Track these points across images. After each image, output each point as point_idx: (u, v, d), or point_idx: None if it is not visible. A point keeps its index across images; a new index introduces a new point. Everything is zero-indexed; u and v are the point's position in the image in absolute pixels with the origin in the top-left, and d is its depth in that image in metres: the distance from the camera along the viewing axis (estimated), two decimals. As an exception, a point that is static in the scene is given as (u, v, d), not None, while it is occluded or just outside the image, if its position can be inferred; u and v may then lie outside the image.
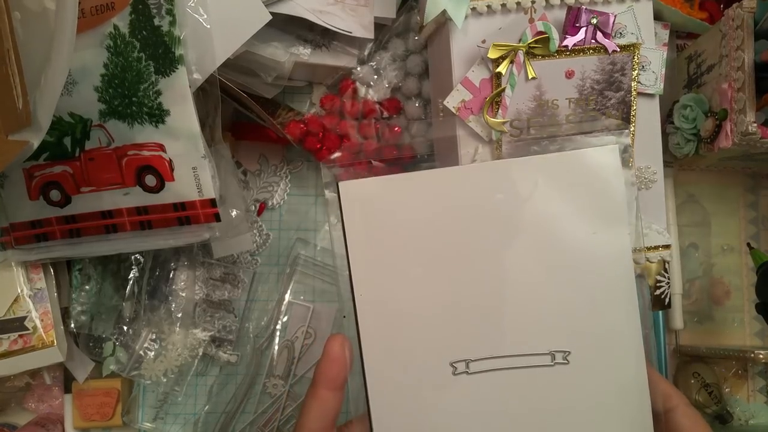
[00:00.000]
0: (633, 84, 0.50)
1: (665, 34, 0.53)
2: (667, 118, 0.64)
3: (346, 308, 0.44)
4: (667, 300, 0.53)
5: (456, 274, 0.43)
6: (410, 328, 0.43)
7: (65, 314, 0.60)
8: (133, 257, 0.61)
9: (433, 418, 0.43)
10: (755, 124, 0.53)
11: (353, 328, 0.43)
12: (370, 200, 0.43)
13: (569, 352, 0.43)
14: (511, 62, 0.48)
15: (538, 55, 0.48)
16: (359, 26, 0.61)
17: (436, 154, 0.63)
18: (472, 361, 0.43)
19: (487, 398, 0.42)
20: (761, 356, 0.59)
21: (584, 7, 0.48)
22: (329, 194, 0.45)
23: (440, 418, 0.43)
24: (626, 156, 0.43)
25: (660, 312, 0.66)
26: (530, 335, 0.43)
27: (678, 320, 0.66)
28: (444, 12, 0.48)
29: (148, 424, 0.64)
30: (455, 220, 0.43)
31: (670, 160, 0.65)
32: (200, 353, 0.62)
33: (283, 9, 0.58)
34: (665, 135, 0.61)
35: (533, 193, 0.43)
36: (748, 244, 0.65)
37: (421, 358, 0.43)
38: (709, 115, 0.59)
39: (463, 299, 0.43)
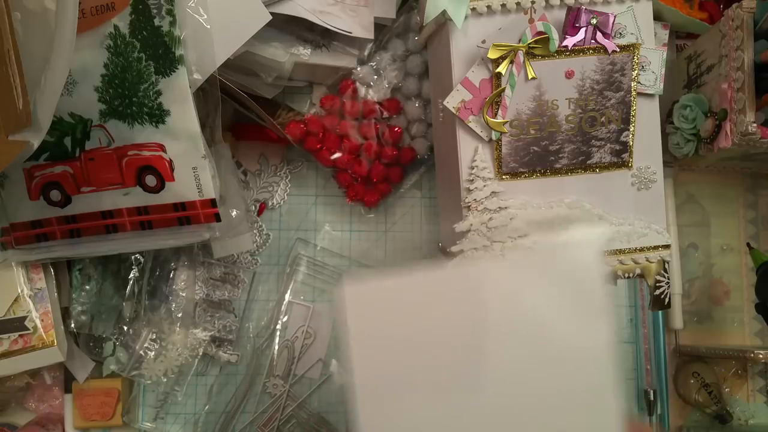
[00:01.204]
0: (633, 84, 0.50)
1: (665, 35, 0.53)
2: (666, 118, 0.64)
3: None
4: (666, 300, 0.53)
5: (451, 381, 0.44)
6: None
7: (65, 314, 0.60)
8: (133, 257, 0.61)
9: None
10: (755, 124, 0.53)
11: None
12: (371, 305, 0.45)
13: None
14: (511, 62, 0.48)
15: (538, 56, 0.48)
16: (359, 26, 0.61)
17: (436, 155, 0.63)
18: None
19: None
20: (761, 356, 0.60)
21: (584, 7, 0.48)
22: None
23: None
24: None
25: (660, 312, 0.66)
26: None
27: (678, 320, 0.66)
28: (444, 12, 0.48)
29: (148, 424, 0.64)
30: (450, 326, 0.44)
31: (669, 160, 0.65)
32: (200, 353, 0.62)
33: (283, 9, 0.58)
34: (665, 135, 0.61)
35: (518, 295, 0.44)
36: (748, 244, 0.65)
37: None
38: (708, 115, 0.59)
39: (460, 405, 0.44)
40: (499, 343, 0.44)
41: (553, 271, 0.44)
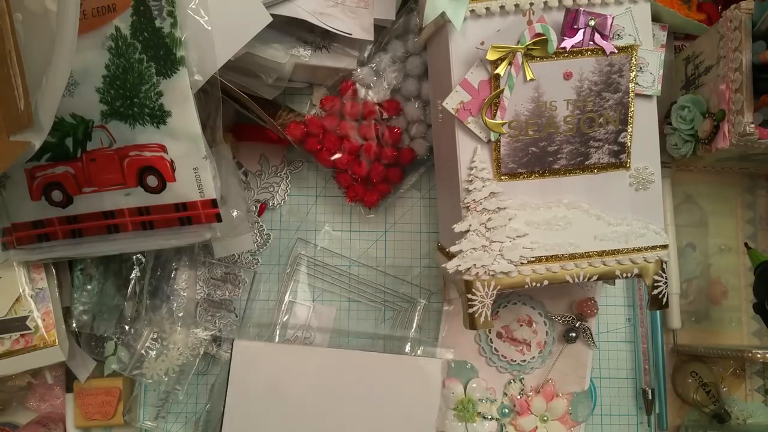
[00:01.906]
0: (631, 85, 0.50)
1: (663, 36, 0.53)
2: (664, 119, 0.64)
3: None
4: (664, 300, 0.53)
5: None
6: None
7: (67, 314, 0.60)
8: (134, 257, 0.61)
9: None
10: (753, 125, 0.53)
11: None
12: (255, 363, 0.60)
13: None
14: (510, 64, 0.48)
15: (537, 57, 0.48)
16: (359, 28, 0.61)
17: (435, 156, 0.63)
18: None
19: None
20: (759, 355, 0.60)
21: (582, 9, 0.48)
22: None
23: None
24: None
25: (658, 312, 0.66)
26: None
27: (676, 320, 0.66)
28: (443, 14, 0.48)
29: (150, 423, 0.64)
30: (316, 392, 0.60)
31: (667, 160, 0.65)
32: (201, 352, 0.62)
33: (283, 11, 0.58)
34: (663, 136, 0.62)
35: (370, 381, 0.61)
36: (746, 244, 0.66)
37: None
38: (706, 116, 0.59)
39: None
40: (349, 409, 0.60)
41: (408, 371, 0.61)
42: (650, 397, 0.65)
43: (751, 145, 0.55)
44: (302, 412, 0.60)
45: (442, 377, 0.62)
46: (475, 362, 0.65)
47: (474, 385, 0.64)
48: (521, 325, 0.65)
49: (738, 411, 0.66)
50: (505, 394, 0.65)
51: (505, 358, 0.65)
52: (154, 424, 0.64)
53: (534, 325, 0.65)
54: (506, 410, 0.64)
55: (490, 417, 0.64)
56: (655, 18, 0.52)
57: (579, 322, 0.65)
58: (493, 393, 0.65)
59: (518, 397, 0.64)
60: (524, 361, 0.65)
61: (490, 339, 0.65)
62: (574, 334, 0.65)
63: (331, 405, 0.60)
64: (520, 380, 0.65)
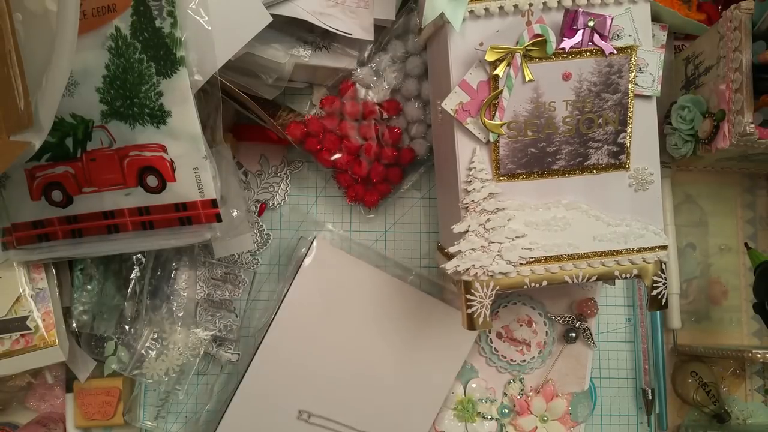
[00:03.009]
0: (630, 86, 0.50)
1: (663, 36, 0.53)
2: (664, 119, 0.64)
3: (245, 347, 0.64)
4: (664, 300, 0.53)
5: (337, 357, 0.62)
6: (287, 376, 0.61)
7: (67, 314, 0.60)
8: (134, 257, 0.61)
9: None
10: (753, 125, 0.53)
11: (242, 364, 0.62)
12: (327, 268, 0.62)
13: None
14: (509, 65, 0.48)
15: (535, 58, 0.48)
16: (359, 28, 0.61)
17: (435, 156, 0.63)
18: (314, 415, 0.62)
19: None
20: (759, 356, 0.60)
21: (581, 9, 0.48)
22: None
23: None
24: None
25: (658, 312, 0.66)
26: (360, 414, 0.62)
27: (676, 320, 0.66)
28: (442, 15, 0.48)
29: (149, 423, 0.64)
30: (359, 309, 0.62)
31: (667, 160, 0.65)
32: (201, 352, 0.62)
33: (283, 11, 0.58)
34: (663, 136, 0.62)
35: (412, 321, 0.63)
36: (746, 244, 0.66)
37: (282, 398, 0.61)
38: (706, 116, 0.59)
39: (334, 369, 0.62)
40: (379, 339, 0.62)
41: (448, 318, 0.62)
42: (650, 397, 0.65)
43: (751, 145, 0.55)
44: (345, 328, 0.62)
45: (473, 341, 0.64)
46: (475, 362, 0.65)
47: (474, 385, 0.64)
48: (521, 325, 0.65)
49: (738, 411, 0.66)
50: (505, 394, 0.65)
51: (505, 358, 0.65)
52: (154, 423, 0.64)
53: (534, 325, 0.65)
54: (506, 410, 0.64)
55: (489, 417, 0.64)
56: (655, 18, 0.52)
57: (579, 323, 0.65)
58: (493, 393, 0.65)
59: (518, 397, 0.64)
60: (524, 361, 0.65)
61: (490, 339, 0.65)
62: (573, 335, 0.65)
63: (367, 330, 0.62)
64: (520, 380, 0.65)
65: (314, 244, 0.62)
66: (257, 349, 0.61)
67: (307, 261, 0.62)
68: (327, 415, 0.62)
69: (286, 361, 0.61)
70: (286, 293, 0.61)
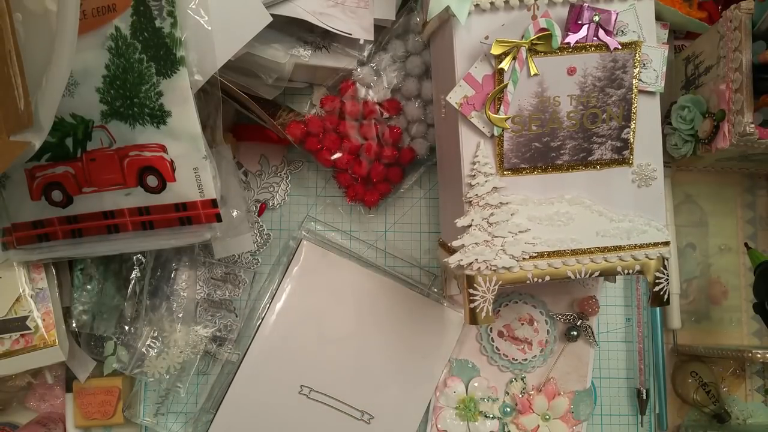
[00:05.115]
0: (634, 81, 0.50)
1: (664, 34, 0.53)
2: (664, 119, 0.64)
3: (243, 331, 0.65)
4: (666, 296, 0.53)
5: (333, 340, 0.64)
6: (289, 353, 0.63)
7: (67, 314, 0.60)
8: (134, 257, 0.61)
9: (269, 414, 0.63)
10: (753, 125, 0.53)
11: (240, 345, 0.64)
12: (315, 267, 0.64)
13: (373, 416, 0.63)
14: (514, 59, 0.48)
15: (541, 52, 0.48)
16: (359, 28, 0.61)
17: (438, 151, 0.63)
18: (314, 390, 0.63)
19: (310, 418, 0.63)
20: (759, 356, 0.60)
21: (587, 4, 0.48)
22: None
23: (273, 416, 0.63)
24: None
25: (658, 311, 0.66)
26: (357, 394, 0.63)
27: (676, 320, 0.66)
28: (447, 8, 0.48)
29: (149, 420, 0.64)
30: (350, 306, 0.64)
31: (667, 160, 0.65)
32: (202, 350, 0.62)
33: (283, 11, 0.58)
34: (663, 136, 0.62)
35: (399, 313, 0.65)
36: (746, 244, 0.66)
37: (287, 373, 0.63)
38: (706, 116, 0.59)
39: (331, 354, 0.63)
40: (372, 331, 0.64)
41: (434, 315, 0.64)
42: (644, 397, 0.65)
43: (751, 145, 0.55)
44: (334, 325, 0.64)
45: (459, 332, 0.65)
46: (477, 361, 0.65)
47: (475, 384, 0.64)
48: (522, 324, 0.65)
49: (738, 411, 0.66)
50: (507, 393, 0.65)
51: (507, 356, 0.65)
52: (153, 420, 0.64)
53: (535, 323, 0.65)
54: (508, 409, 0.64)
55: (491, 416, 0.64)
56: (657, 16, 0.52)
57: (580, 321, 0.65)
58: (495, 392, 0.65)
59: (520, 395, 0.64)
60: (526, 359, 0.65)
61: (492, 338, 0.65)
62: (575, 333, 0.65)
63: (359, 324, 0.64)
64: (522, 379, 0.65)
65: (302, 243, 0.63)
66: (251, 341, 0.63)
67: (294, 264, 0.64)
68: (328, 391, 0.63)
69: (279, 351, 0.63)
70: (278, 286, 0.63)
